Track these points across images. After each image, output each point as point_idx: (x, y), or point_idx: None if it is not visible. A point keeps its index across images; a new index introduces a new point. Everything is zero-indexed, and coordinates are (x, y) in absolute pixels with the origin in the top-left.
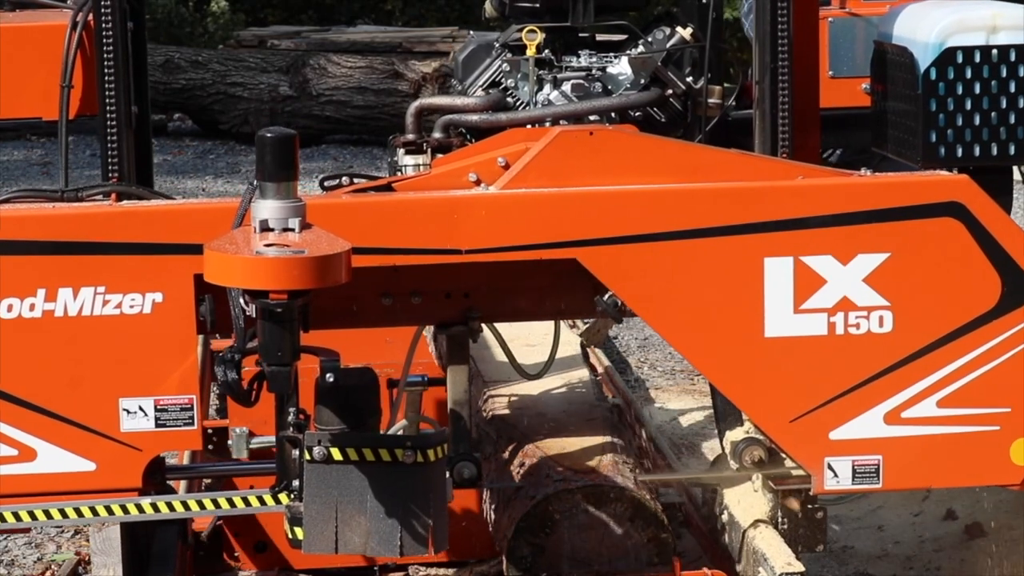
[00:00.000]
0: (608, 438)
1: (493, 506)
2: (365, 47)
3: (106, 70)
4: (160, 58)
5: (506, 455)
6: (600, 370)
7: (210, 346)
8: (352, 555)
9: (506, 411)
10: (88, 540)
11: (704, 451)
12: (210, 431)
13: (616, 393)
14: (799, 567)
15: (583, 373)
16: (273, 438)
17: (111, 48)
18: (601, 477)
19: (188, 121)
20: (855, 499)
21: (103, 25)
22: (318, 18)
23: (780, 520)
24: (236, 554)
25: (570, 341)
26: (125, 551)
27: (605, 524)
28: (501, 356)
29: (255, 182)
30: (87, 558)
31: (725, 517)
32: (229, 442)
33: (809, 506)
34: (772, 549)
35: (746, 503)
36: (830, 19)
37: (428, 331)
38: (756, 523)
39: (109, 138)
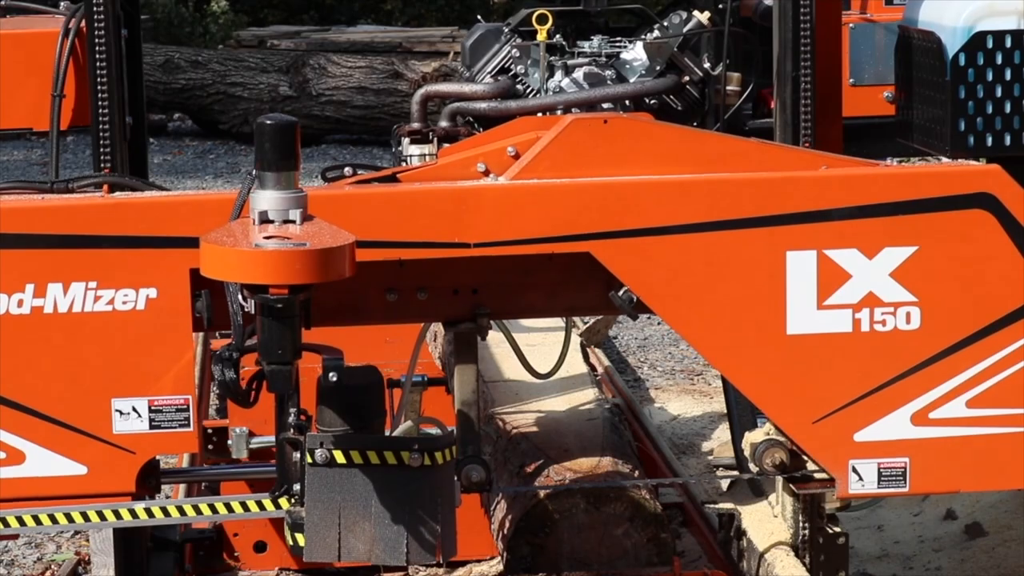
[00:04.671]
0: (608, 438)
1: (493, 506)
2: (365, 47)
3: (99, 79)
4: (160, 58)
5: (506, 455)
6: (600, 370)
7: (209, 344)
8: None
9: (506, 410)
10: (88, 540)
11: (704, 451)
12: (210, 431)
13: (616, 393)
14: None
15: (583, 373)
16: (273, 438)
17: (104, 56)
18: (600, 477)
19: (188, 121)
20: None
21: (96, 32)
22: (318, 18)
23: (801, 546)
24: (236, 554)
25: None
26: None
27: (605, 524)
28: (500, 356)
29: (254, 172)
30: (87, 558)
31: (743, 543)
32: (229, 442)
33: (831, 531)
34: None
35: (765, 529)
36: (851, 25)
37: (429, 334)
38: (775, 549)
39: (102, 150)
